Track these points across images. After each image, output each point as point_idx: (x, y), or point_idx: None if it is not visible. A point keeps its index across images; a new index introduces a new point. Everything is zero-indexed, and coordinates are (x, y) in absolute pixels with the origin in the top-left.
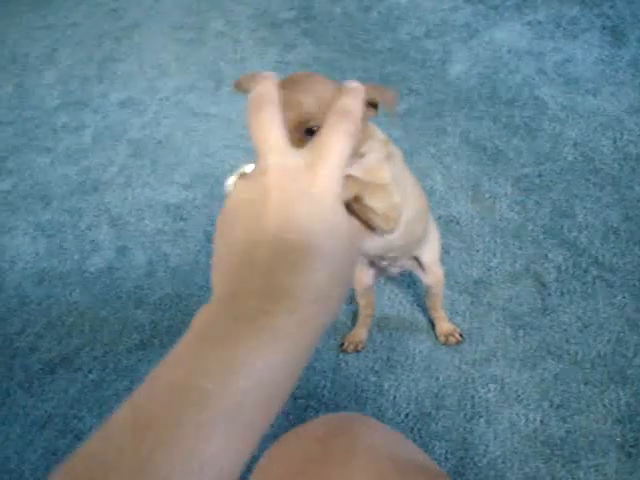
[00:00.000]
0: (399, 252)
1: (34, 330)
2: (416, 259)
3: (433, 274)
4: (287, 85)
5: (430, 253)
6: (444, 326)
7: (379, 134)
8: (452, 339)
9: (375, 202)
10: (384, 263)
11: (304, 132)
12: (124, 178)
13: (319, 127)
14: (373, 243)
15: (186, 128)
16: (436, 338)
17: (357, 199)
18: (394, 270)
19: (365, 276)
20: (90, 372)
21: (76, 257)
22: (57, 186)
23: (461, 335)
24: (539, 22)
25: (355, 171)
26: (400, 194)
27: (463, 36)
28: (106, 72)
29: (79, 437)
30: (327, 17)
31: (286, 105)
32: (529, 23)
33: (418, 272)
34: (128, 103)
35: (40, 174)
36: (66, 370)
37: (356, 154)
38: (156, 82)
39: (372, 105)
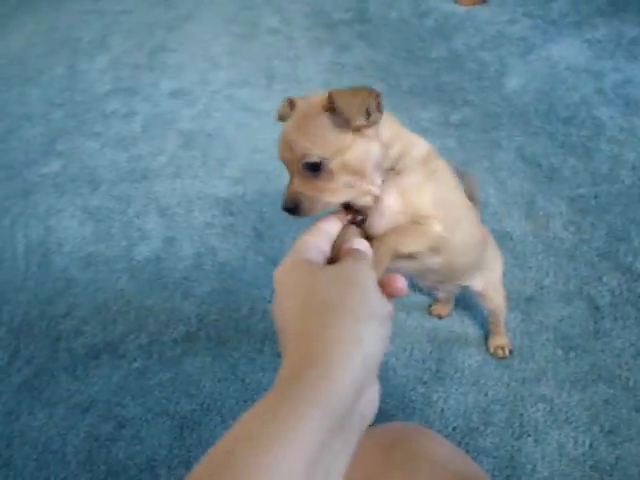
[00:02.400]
0: (440, 277)
1: (79, 314)
2: (464, 287)
3: (491, 301)
4: (287, 116)
5: (485, 281)
6: (499, 339)
7: (419, 148)
8: (500, 352)
9: (410, 247)
10: (426, 284)
11: (306, 168)
12: (174, 168)
13: (316, 163)
14: (404, 264)
15: (237, 123)
16: (486, 347)
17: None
18: (441, 293)
19: None
20: (134, 360)
21: (123, 244)
22: (106, 171)
23: (511, 351)
24: (599, 41)
25: (390, 195)
26: (445, 216)
27: (520, 50)
28: (157, 61)
29: (122, 424)
30: (382, 21)
31: (284, 146)
32: (588, 41)
33: (475, 295)
34: (179, 93)
35: (89, 158)
36: (110, 356)
37: (391, 170)
38: (207, 74)
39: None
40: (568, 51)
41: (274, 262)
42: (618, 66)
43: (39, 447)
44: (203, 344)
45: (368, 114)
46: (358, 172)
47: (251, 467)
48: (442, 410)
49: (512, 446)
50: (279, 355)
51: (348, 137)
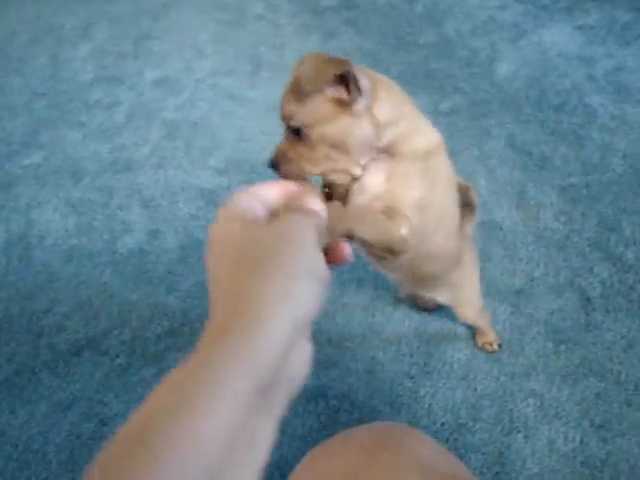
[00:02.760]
0: (396, 277)
1: (61, 309)
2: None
3: (466, 313)
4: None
5: (460, 294)
6: (485, 336)
7: (425, 139)
8: (489, 347)
9: (366, 234)
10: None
11: (289, 130)
12: (157, 159)
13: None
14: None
15: (222, 111)
16: (474, 341)
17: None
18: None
19: None
20: (117, 356)
21: (106, 237)
22: (89, 162)
23: (500, 345)
24: (590, 26)
25: (375, 176)
26: (420, 222)
27: (511, 35)
28: (142, 49)
29: (104, 422)
30: (370, 6)
31: (280, 106)
32: (580, 27)
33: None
34: (163, 82)
35: (72, 149)
36: (93, 353)
37: (385, 151)
38: (193, 62)
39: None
40: (559, 37)
41: None
42: (610, 52)
43: (20, 446)
44: (187, 339)
45: (348, 89)
46: (339, 147)
47: (169, 437)
48: (430, 405)
49: (501, 442)
50: None
51: (332, 109)
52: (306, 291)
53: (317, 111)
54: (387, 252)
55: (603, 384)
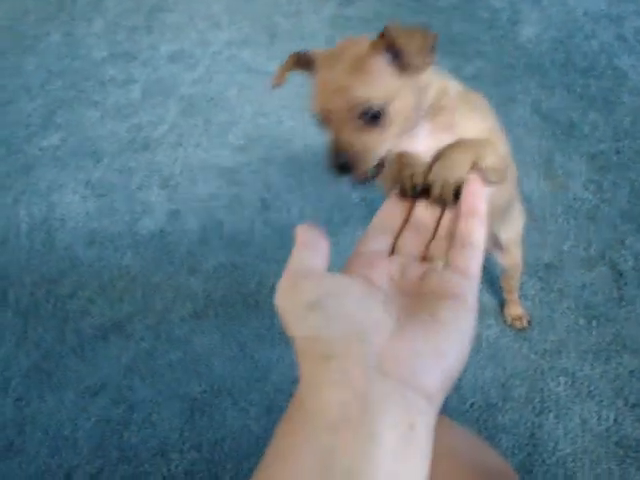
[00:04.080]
0: None
1: (85, 294)
2: (495, 236)
3: (511, 256)
4: (325, 61)
5: (511, 231)
6: (515, 309)
7: (454, 85)
8: (518, 323)
9: (489, 161)
10: None
11: (363, 117)
12: (175, 137)
13: (378, 110)
14: None
15: (240, 85)
16: (503, 318)
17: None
18: None
19: None
20: (142, 340)
21: (127, 218)
22: (107, 143)
23: (529, 322)
24: None
25: (436, 135)
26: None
27: None
28: (155, 22)
29: (132, 408)
30: None
31: (330, 95)
32: None
33: (495, 252)
34: (178, 56)
35: (89, 129)
36: (118, 337)
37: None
38: (207, 34)
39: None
40: None
41: (281, 233)
42: None
43: (50, 433)
44: (211, 322)
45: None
46: (408, 118)
47: None
48: (459, 385)
49: (532, 422)
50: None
51: (401, 80)
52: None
53: (397, 85)
54: (500, 176)
55: (637, 361)
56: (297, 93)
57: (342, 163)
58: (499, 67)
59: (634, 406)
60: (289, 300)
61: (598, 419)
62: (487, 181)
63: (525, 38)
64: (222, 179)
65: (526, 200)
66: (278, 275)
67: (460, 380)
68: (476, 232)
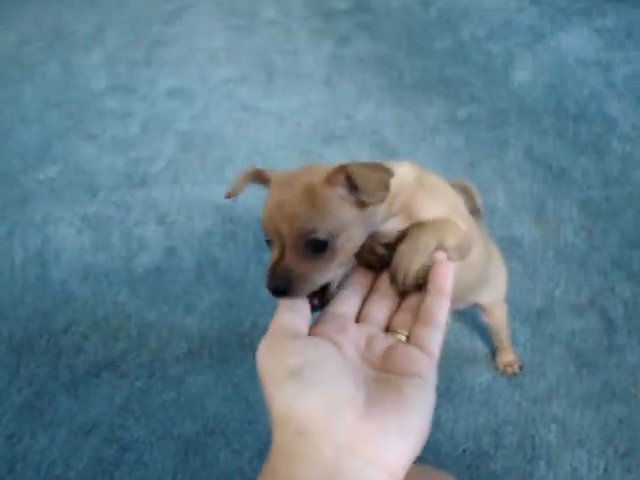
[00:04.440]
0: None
1: (79, 329)
2: (474, 302)
3: (494, 317)
4: (280, 184)
5: (491, 295)
6: (506, 356)
7: (407, 173)
8: (510, 369)
9: (450, 240)
10: None
11: (308, 245)
12: (172, 173)
13: (324, 241)
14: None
15: (236, 122)
16: (495, 365)
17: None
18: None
19: None
20: (136, 379)
21: (123, 254)
22: (103, 176)
23: (520, 367)
24: (608, 29)
25: (398, 224)
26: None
27: (528, 40)
28: (154, 56)
29: (125, 447)
30: (384, 10)
31: (281, 216)
32: (598, 30)
33: (478, 309)
34: (177, 91)
35: (86, 162)
36: (112, 375)
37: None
38: (206, 70)
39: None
40: (577, 41)
41: None
42: (629, 57)
43: (42, 471)
44: (206, 362)
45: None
46: (356, 246)
47: None
48: (452, 431)
49: (524, 470)
50: None
51: (353, 212)
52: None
53: (347, 218)
54: (463, 254)
55: (627, 409)
56: (292, 132)
57: (277, 287)
58: (493, 111)
59: (624, 455)
60: (271, 362)
61: (588, 468)
62: (450, 259)
63: (518, 83)
64: (218, 216)
65: (517, 244)
66: (272, 315)
67: (453, 426)
68: (441, 312)
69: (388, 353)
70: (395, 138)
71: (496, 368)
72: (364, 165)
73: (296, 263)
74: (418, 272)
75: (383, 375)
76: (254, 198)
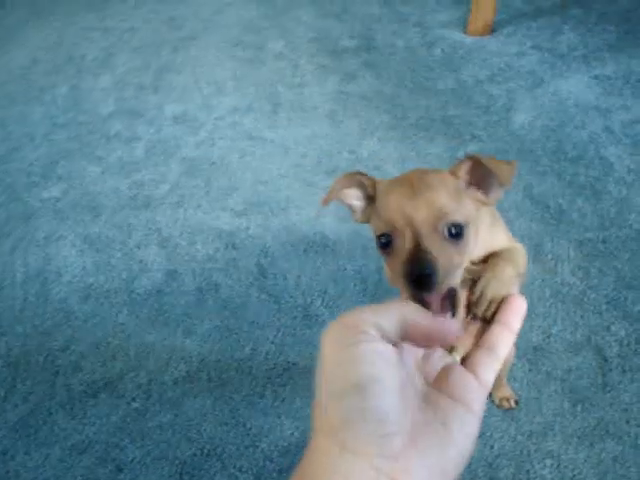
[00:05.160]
0: None
1: (78, 348)
2: None
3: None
4: (402, 180)
5: None
6: (502, 391)
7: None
8: (506, 404)
9: (522, 267)
10: None
11: (445, 232)
12: (176, 197)
13: (462, 227)
14: None
15: (241, 151)
16: (491, 399)
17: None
18: None
19: None
20: (134, 400)
21: (124, 276)
22: (107, 198)
23: (516, 402)
24: (607, 77)
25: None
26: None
27: (528, 84)
28: (162, 82)
29: (120, 468)
30: (389, 49)
31: (415, 205)
32: (597, 77)
33: None
34: (183, 118)
35: (90, 184)
36: (109, 395)
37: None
38: (212, 99)
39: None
40: (576, 87)
41: (277, 300)
42: (626, 104)
43: None
44: (204, 385)
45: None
46: (476, 245)
47: None
48: None
49: None
50: (281, 400)
51: (473, 207)
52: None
53: (467, 209)
54: (523, 280)
55: (620, 447)
56: (296, 163)
57: (426, 274)
58: (493, 151)
59: None
60: (338, 363)
61: None
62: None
63: (518, 124)
64: (220, 242)
65: None
66: (272, 342)
67: None
68: (505, 346)
69: (443, 371)
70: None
71: (492, 401)
72: (490, 156)
73: (435, 248)
74: (498, 302)
75: (434, 394)
76: (256, 226)
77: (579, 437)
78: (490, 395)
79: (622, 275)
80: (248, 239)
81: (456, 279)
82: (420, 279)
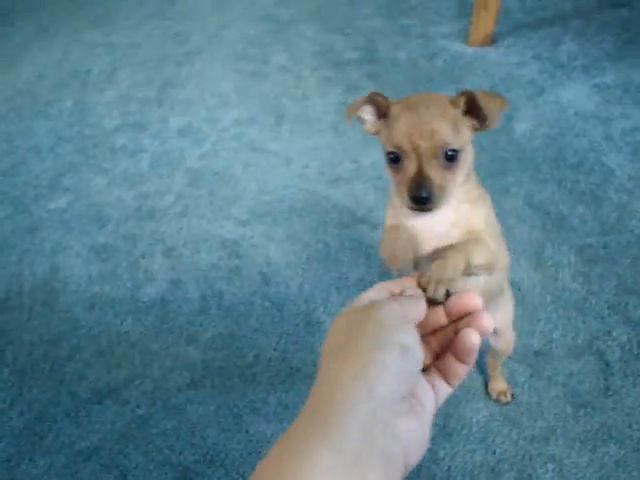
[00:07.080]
0: None
1: (83, 357)
2: None
3: (505, 339)
4: (411, 106)
5: (503, 316)
6: (499, 384)
7: (473, 176)
8: (503, 398)
9: (478, 259)
10: None
11: (444, 157)
12: (181, 208)
13: (457, 152)
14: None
15: (245, 162)
16: (488, 394)
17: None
18: None
19: None
20: (138, 407)
21: (129, 285)
22: (113, 209)
23: (512, 395)
24: (607, 86)
25: (447, 216)
26: (492, 235)
27: (529, 93)
28: (166, 96)
29: (124, 474)
30: (391, 61)
31: (420, 133)
32: (597, 86)
33: (489, 335)
34: (187, 131)
35: (96, 195)
36: (114, 402)
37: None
38: (216, 112)
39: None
40: (576, 95)
41: (280, 308)
42: (627, 112)
43: None
44: (207, 392)
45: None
46: (468, 170)
47: None
48: (449, 468)
49: None
50: (284, 406)
51: (469, 134)
52: (385, 363)
53: (463, 136)
54: (489, 270)
55: (623, 451)
56: (299, 174)
57: (424, 195)
58: (494, 159)
59: None
60: (347, 348)
61: None
62: (474, 274)
63: (519, 133)
64: (224, 251)
65: (516, 288)
66: (275, 349)
67: (450, 463)
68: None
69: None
70: None
71: (488, 394)
72: (485, 92)
73: (434, 174)
74: (448, 285)
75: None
76: (259, 235)
77: (581, 441)
78: (486, 389)
79: (623, 280)
80: (251, 248)
81: (451, 194)
82: (420, 199)
